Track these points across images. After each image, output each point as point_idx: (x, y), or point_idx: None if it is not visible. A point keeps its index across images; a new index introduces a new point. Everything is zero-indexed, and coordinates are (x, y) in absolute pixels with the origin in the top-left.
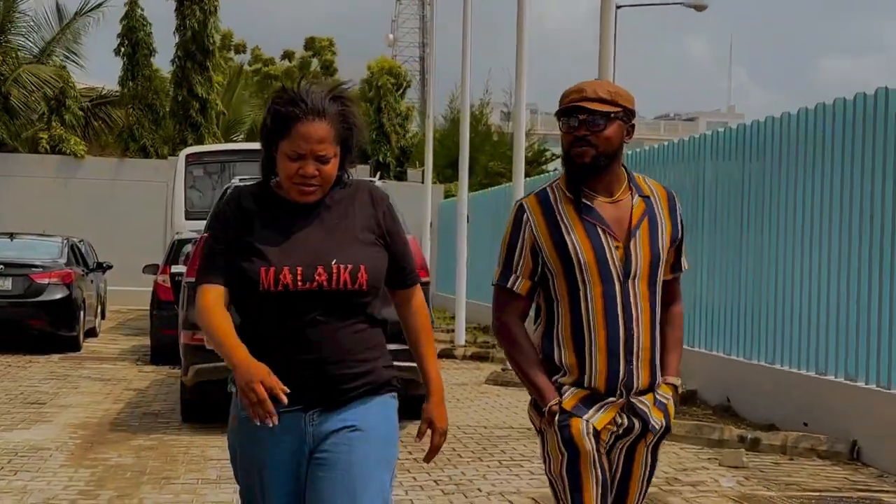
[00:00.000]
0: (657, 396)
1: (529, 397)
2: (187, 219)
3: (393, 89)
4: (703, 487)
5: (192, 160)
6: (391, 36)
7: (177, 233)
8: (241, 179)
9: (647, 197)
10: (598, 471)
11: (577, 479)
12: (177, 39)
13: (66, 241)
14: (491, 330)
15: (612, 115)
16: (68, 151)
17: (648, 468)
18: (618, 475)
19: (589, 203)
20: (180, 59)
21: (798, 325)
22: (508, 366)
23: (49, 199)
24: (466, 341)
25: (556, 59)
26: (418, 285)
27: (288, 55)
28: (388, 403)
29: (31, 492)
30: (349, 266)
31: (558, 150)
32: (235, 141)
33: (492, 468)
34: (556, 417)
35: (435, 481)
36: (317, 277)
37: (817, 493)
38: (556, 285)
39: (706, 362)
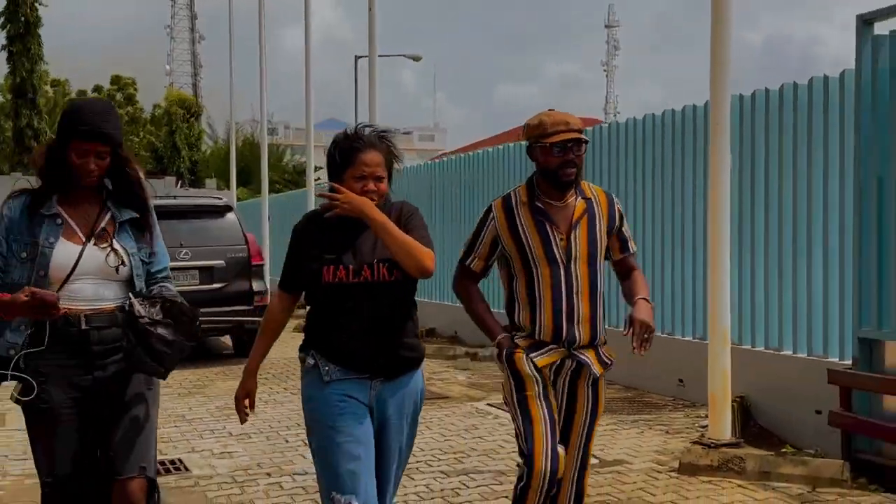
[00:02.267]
0: (600, 352)
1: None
2: None
3: (184, 115)
4: (449, 380)
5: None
6: (168, 67)
7: None
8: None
9: (589, 199)
10: (545, 405)
11: (527, 411)
12: (9, 82)
13: None
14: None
15: (586, 141)
16: None
17: (591, 404)
18: (563, 410)
19: (541, 206)
20: (14, 97)
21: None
22: None
23: None
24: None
25: (296, 80)
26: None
27: (98, 88)
28: (421, 374)
29: None
30: (387, 264)
31: (319, 161)
32: None
33: None
34: (504, 351)
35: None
36: (364, 273)
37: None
38: (515, 267)
39: (442, 309)
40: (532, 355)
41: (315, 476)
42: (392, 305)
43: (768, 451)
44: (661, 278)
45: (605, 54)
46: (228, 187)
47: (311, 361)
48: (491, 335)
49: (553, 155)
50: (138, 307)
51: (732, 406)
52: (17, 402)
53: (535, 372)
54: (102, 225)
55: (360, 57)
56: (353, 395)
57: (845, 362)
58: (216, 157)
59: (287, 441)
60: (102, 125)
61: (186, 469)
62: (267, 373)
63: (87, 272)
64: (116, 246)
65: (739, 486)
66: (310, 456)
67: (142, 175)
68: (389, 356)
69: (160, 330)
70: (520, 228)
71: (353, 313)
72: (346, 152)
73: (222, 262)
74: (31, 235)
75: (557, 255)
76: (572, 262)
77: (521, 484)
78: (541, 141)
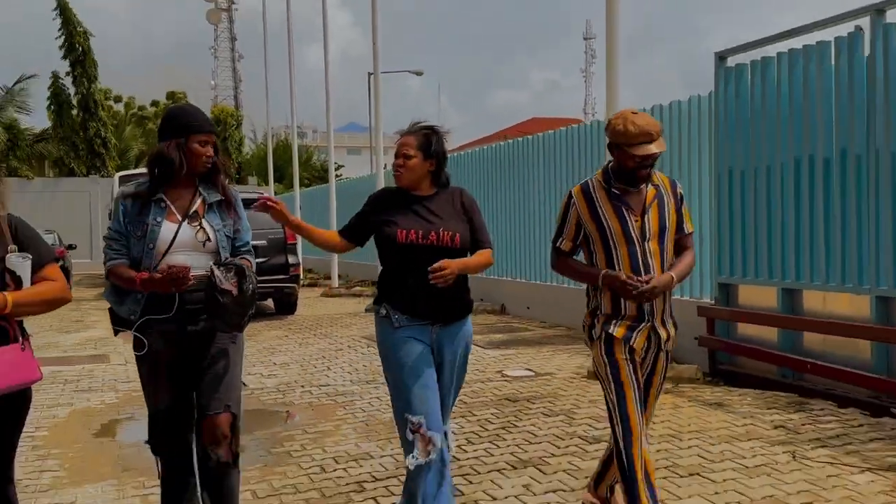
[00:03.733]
0: (667, 325)
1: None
2: None
3: (234, 124)
4: None
5: (124, 180)
6: (213, 82)
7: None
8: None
9: (657, 185)
10: (633, 375)
11: (619, 380)
12: (77, 100)
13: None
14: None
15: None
16: (22, 175)
17: (664, 372)
18: (644, 376)
19: (617, 191)
20: (81, 112)
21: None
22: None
23: (13, 208)
24: (340, 286)
25: (324, 90)
26: (489, 248)
27: (155, 103)
28: (470, 321)
29: None
30: (450, 232)
31: (340, 160)
32: (126, 164)
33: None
34: (603, 335)
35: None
36: (431, 237)
37: (488, 324)
38: (595, 248)
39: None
40: (630, 342)
41: (390, 399)
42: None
43: None
44: None
45: (583, 63)
46: (267, 184)
47: (382, 311)
48: (595, 278)
49: (632, 159)
50: (217, 273)
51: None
52: (134, 353)
53: (628, 355)
54: (195, 207)
55: (371, 73)
56: (418, 337)
57: (710, 301)
58: (256, 159)
59: (315, 367)
60: (208, 121)
61: (245, 385)
62: (299, 325)
63: (182, 245)
64: (205, 224)
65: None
66: (332, 376)
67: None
68: (447, 307)
69: (229, 291)
70: (599, 211)
71: (417, 270)
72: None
73: (265, 242)
74: (142, 218)
75: (634, 235)
76: (646, 241)
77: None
78: (622, 147)
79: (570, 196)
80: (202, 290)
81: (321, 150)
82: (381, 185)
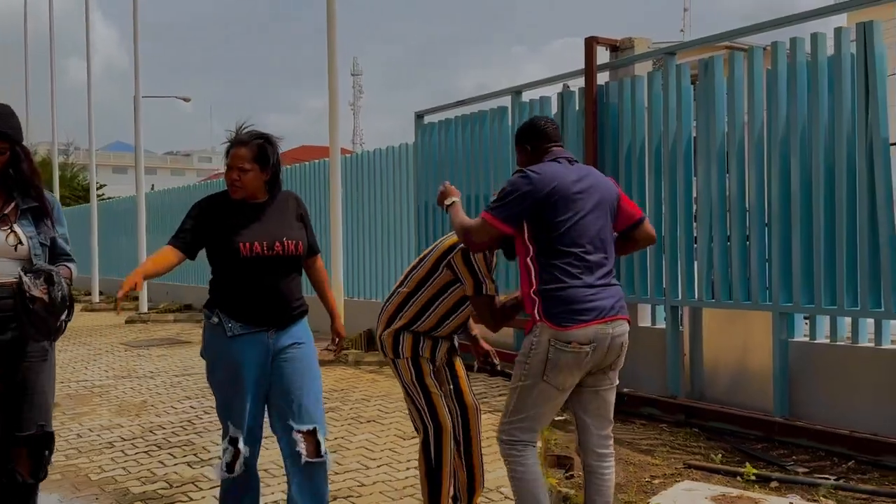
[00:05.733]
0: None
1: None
2: None
3: None
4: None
5: None
6: None
7: None
8: None
9: None
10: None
11: (425, 387)
12: None
13: None
14: None
15: None
16: None
17: (464, 369)
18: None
19: None
20: None
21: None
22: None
23: None
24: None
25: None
26: (318, 253)
27: None
28: (307, 323)
29: None
30: (294, 241)
31: (106, 179)
32: None
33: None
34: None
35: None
36: (276, 247)
37: None
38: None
39: (197, 290)
40: (434, 358)
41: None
42: (292, 272)
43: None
44: (387, 262)
45: (352, 96)
46: None
47: (215, 320)
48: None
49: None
50: (25, 279)
51: (362, 335)
52: None
53: (430, 365)
54: (6, 211)
55: (146, 96)
56: (253, 345)
57: None
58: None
59: (74, 368)
60: (2, 126)
61: None
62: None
63: None
64: (16, 229)
65: (344, 369)
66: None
67: (38, 171)
68: (284, 311)
69: (39, 298)
70: None
71: (260, 280)
72: (226, 149)
73: None
74: None
75: None
76: None
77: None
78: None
79: None
80: (10, 297)
81: (88, 169)
82: (142, 206)
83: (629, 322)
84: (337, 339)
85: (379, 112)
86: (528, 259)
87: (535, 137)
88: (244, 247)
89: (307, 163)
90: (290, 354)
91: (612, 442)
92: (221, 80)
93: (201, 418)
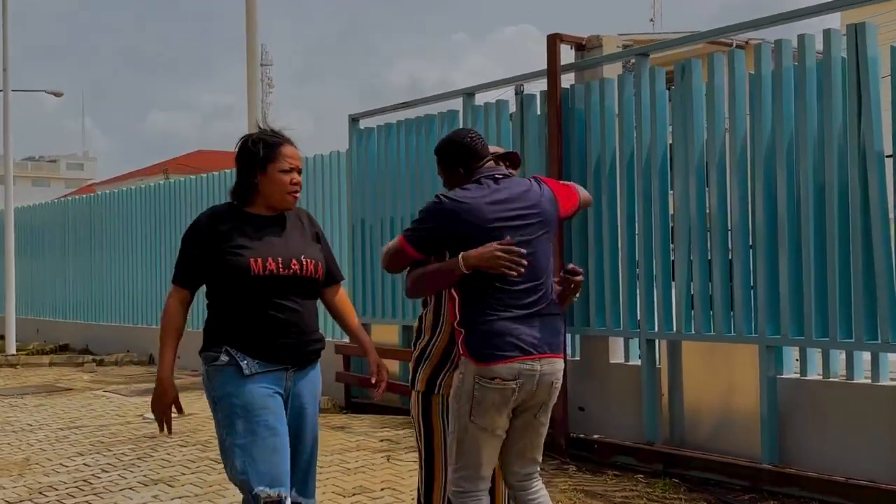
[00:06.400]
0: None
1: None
2: None
3: None
4: (76, 379)
5: None
6: None
7: None
8: None
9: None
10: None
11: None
12: None
13: None
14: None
15: None
16: None
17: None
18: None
19: None
20: None
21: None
22: None
23: None
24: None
25: None
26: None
27: None
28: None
29: None
30: (313, 260)
31: None
32: None
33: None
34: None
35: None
36: (293, 265)
37: (133, 375)
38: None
39: (76, 327)
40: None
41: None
42: (310, 297)
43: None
44: None
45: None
46: None
47: (224, 358)
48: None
49: None
50: None
51: None
52: None
53: None
54: None
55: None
56: (273, 387)
57: (346, 341)
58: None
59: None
60: None
61: None
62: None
63: None
64: None
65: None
66: None
67: None
68: (305, 347)
69: None
70: None
71: (275, 305)
72: (270, 147)
73: None
74: None
75: None
76: None
77: None
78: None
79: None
80: None
81: None
82: (10, 221)
83: (564, 359)
84: (376, 377)
85: (291, 110)
86: (452, 289)
87: (467, 158)
88: (255, 263)
89: (212, 174)
90: (306, 410)
91: (537, 470)
92: (91, 69)
93: (99, 477)
